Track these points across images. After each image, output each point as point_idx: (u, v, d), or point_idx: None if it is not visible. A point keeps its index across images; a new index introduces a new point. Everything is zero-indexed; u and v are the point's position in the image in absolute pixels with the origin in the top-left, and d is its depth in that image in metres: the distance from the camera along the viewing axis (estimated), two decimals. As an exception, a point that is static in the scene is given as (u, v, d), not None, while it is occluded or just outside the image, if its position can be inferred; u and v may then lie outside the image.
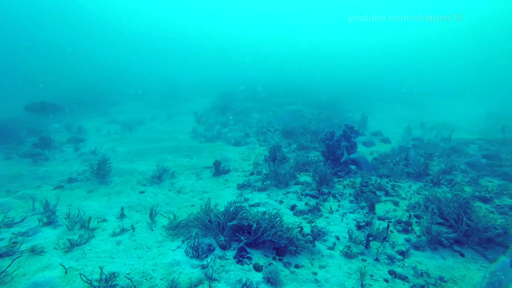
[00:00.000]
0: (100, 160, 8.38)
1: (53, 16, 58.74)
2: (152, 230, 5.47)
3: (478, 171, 6.92)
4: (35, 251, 4.70)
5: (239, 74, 46.87)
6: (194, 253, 4.54)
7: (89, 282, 3.78)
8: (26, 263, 4.43)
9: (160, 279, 4.03)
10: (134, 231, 5.44)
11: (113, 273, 3.91)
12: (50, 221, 5.75)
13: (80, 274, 3.97)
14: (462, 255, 4.89)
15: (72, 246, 4.85)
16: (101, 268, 4.01)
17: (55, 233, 5.38)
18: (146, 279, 4.04)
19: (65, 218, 5.79)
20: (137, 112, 21.77)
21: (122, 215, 6.05)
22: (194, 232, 5.15)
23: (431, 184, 7.68)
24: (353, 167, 7.75)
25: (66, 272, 4.13)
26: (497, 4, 65.46)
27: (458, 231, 5.11)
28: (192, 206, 6.55)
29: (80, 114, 19.53)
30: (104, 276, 3.82)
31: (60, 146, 12.00)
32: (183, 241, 4.95)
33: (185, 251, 4.64)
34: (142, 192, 7.45)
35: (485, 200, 6.60)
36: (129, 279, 3.93)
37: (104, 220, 5.91)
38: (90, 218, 5.68)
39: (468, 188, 7.46)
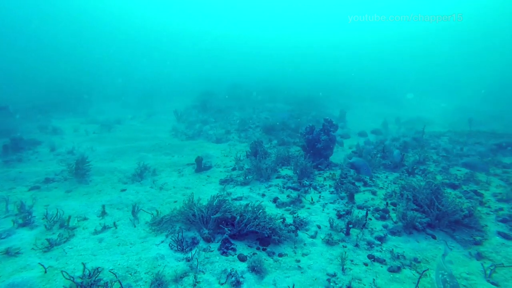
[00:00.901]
0: (78, 159, 8.16)
1: (29, 9, 55.97)
2: (135, 226, 5.42)
3: (476, 170, 7.17)
4: (9, 253, 4.54)
5: (220, 73, 46.64)
6: (179, 247, 4.56)
7: (72, 279, 3.72)
8: (0, 266, 4.28)
9: (144, 273, 4.03)
10: (116, 228, 5.37)
11: (97, 268, 3.86)
12: (26, 222, 5.57)
13: (62, 271, 3.89)
14: (434, 237, 5.20)
15: (51, 245, 4.73)
16: (83, 264, 3.95)
17: (32, 234, 5.21)
18: (130, 274, 4.03)
19: (43, 219, 5.62)
20: (116, 111, 21.22)
21: (103, 213, 5.95)
22: (178, 226, 5.16)
23: (407, 174, 8.05)
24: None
25: (45, 272, 4.04)
26: (469, 5, 68.48)
27: (430, 215, 5.41)
28: (175, 202, 6.54)
29: (56, 114, 18.81)
30: (88, 271, 3.77)
31: (34, 146, 11.54)
32: (167, 236, 4.95)
33: (169, 245, 4.65)
34: (124, 190, 7.33)
35: (454, 186, 7.00)
36: (113, 273, 3.91)
37: (85, 219, 5.79)
38: (70, 217, 5.55)
39: (439, 176, 7.89)
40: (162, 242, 4.79)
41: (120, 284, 3.71)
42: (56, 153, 10.92)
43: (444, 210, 5.31)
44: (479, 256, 4.67)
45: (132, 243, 4.87)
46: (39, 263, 4.21)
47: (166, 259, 4.30)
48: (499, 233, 5.21)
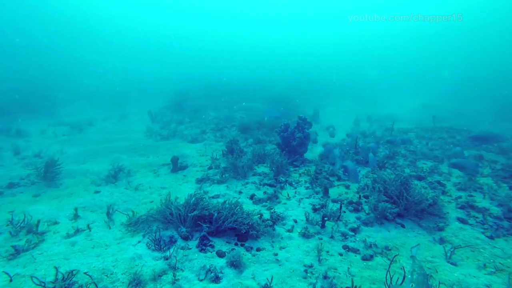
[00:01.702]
0: (48, 162, 7.80)
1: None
2: (110, 228, 5.30)
3: (465, 171, 7.25)
4: (-31, 264, 4.28)
5: (194, 73, 46.08)
6: (156, 246, 4.53)
7: (42, 284, 3.59)
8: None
9: (121, 274, 3.97)
10: (90, 230, 5.22)
11: (71, 271, 3.76)
12: (-12, 230, 5.26)
13: (32, 276, 3.74)
14: (403, 226, 5.53)
15: (17, 252, 4.50)
16: (56, 268, 3.82)
17: (-5, 242, 4.94)
18: (106, 275, 3.95)
19: (7, 225, 5.30)
20: (87, 112, 20.35)
21: (76, 216, 5.75)
22: (155, 226, 5.11)
23: (378, 168, 8.44)
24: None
25: (11, 280, 3.85)
26: (434, 5, 71.93)
27: (399, 206, 5.74)
28: (151, 202, 6.45)
29: (20, 115, 17.73)
30: (61, 275, 3.66)
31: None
32: (143, 236, 4.89)
33: (146, 244, 4.60)
34: (97, 192, 7.11)
35: (420, 178, 7.45)
36: (88, 275, 3.81)
37: (56, 223, 5.57)
38: (39, 222, 5.32)
39: (407, 169, 8.35)
40: (139, 242, 4.73)
41: (96, 286, 3.63)
42: (21, 157, 10.34)
43: (411, 200, 5.65)
44: (442, 241, 5.04)
45: (107, 244, 4.76)
46: (3, 272, 4.00)
47: (144, 259, 4.26)
48: (458, 219, 5.64)
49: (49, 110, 20.05)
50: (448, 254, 4.50)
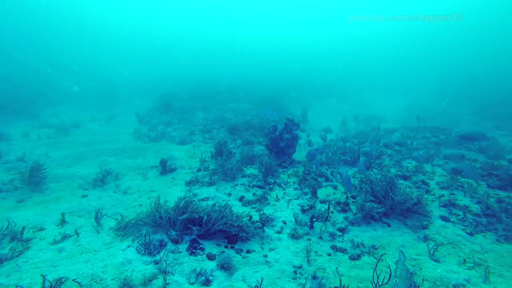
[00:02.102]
0: (32, 166, 7.64)
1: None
2: (98, 233, 5.25)
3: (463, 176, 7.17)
4: None
5: (183, 73, 45.69)
6: (146, 250, 4.52)
7: (30, 292, 3.55)
8: None
9: (111, 280, 3.95)
10: (78, 236, 5.16)
11: (60, 279, 3.72)
12: (-33, 239, 5.12)
13: (16, 286, 3.69)
14: (389, 225, 5.69)
15: (0, 261, 4.41)
16: (43, 276, 3.78)
17: (-24, 252, 4.81)
18: (96, 282, 3.93)
19: (-12, 233, 5.19)
20: (73, 114, 19.95)
21: (63, 221, 5.67)
22: (144, 230, 5.10)
23: (365, 169, 8.61)
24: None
25: (-6, 291, 3.79)
26: (433, 5, 72.98)
27: (386, 205, 5.90)
28: (140, 205, 6.42)
29: (1, 118, 17.21)
30: (48, 283, 3.62)
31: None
32: (133, 240, 4.87)
33: (136, 249, 4.59)
34: (85, 196, 7.02)
35: (405, 177, 7.66)
36: (77, 282, 3.79)
37: (42, 229, 5.47)
38: (24, 228, 5.22)
39: (393, 169, 8.57)
40: (129, 246, 4.71)
41: (85, 292, 3.62)
42: (2, 161, 10.07)
43: (397, 200, 5.82)
44: (426, 239, 5.22)
45: (96, 250, 4.72)
46: (-14, 282, 3.92)
47: (134, 264, 4.25)
48: (441, 217, 5.84)
49: (32, 112, 19.53)
50: (432, 252, 4.67)
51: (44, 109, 21.03)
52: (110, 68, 48.32)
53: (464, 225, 5.60)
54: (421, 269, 4.35)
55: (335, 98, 26.17)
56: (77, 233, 5.21)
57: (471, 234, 5.32)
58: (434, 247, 4.73)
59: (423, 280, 4.02)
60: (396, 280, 2.98)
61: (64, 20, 66.81)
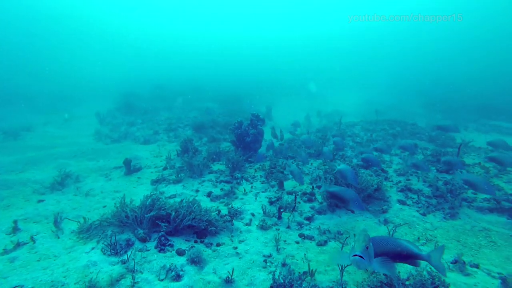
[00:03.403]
0: (-24, 172, 6.99)
1: None
2: (58, 238, 4.96)
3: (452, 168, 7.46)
4: None
5: (143, 73, 44.13)
6: (112, 251, 4.37)
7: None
8: None
9: (74, 284, 3.77)
10: (34, 243, 4.83)
11: None
12: None
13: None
14: (352, 212, 6.00)
15: None
16: (-4, 286, 3.51)
17: None
18: None
19: None
20: (22, 117, 18.39)
21: (15, 229, 5.25)
22: (110, 230, 4.91)
23: (329, 160, 8.99)
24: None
25: None
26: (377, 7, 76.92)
27: (348, 193, 6.20)
28: (104, 207, 6.15)
29: None
30: (3, 292, 3.38)
31: None
32: (98, 242, 4.68)
33: (101, 250, 4.41)
34: (41, 201, 6.56)
35: (366, 167, 8.12)
36: (36, 289, 3.57)
37: (-10, 239, 5.04)
38: (-30, 239, 4.78)
39: (355, 160, 9.03)
40: (93, 248, 4.52)
41: (46, 299, 3.43)
42: None
43: (359, 187, 6.16)
44: (386, 222, 5.60)
45: (56, 255, 4.46)
46: None
47: (99, 265, 4.09)
48: (399, 201, 6.30)
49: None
50: (391, 233, 5.02)
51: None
52: (66, 68, 45.23)
53: (418, 207, 6.08)
54: (381, 248, 4.66)
55: (299, 95, 26.85)
56: (33, 240, 4.87)
57: (424, 214, 5.80)
58: (393, 229, 5.09)
59: (383, 258, 4.31)
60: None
61: (16, 15, 61.36)
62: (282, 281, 3.59)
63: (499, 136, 13.24)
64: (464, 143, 10.12)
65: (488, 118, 17.45)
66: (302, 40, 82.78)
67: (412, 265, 3.13)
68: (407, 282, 3.66)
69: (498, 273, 4.01)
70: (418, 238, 4.97)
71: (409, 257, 2.87)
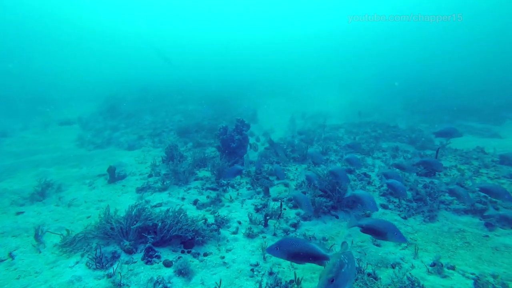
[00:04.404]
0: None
1: None
2: (40, 252, 4.84)
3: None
4: None
5: (128, 75, 43.24)
6: (98, 264, 4.31)
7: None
8: None
9: (58, 301, 3.71)
10: (13, 259, 4.66)
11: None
12: None
13: None
14: (337, 217, 6.16)
15: None
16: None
17: None
18: (40, 305, 3.65)
19: None
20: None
21: (-6, 244, 5.09)
22: (95, 243, 4.84)
23: (313, 165, 9.15)
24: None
25: None
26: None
27: (333, 199, 6.36)
28: (88, 217, 6.04)
29: None
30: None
31: None
32: (82, 255, 4.60)
33: (86, 264, 4.35)
34: (20, 213, 6.36)
35: (350, 171, 8.32)
36: (18, 308, 3.48)
37: (-38, 258, 4.83)
38: None
39: (339, 164, 9.23)
40: (77, 263, 4.44)
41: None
42: None
43: (343, 193, 6.31)
44: (368, 226, 5.76)
45: (37, 271, 4.35)
46: None
47: (84, 280, 4.03)
48: (381, 205, 6.50)
49: None
50: (374, 238, 5.19)
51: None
52: (46, 70, 43.67)
53: (400, 211, 6.31)
54: (365, 254, 4.82)
55: (285, 97, 27.06)
56: (11, 256, 4.70)
57: (405, 218, 6.02)
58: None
59: (367, 264, 4.46)
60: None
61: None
62: (269, 290, 3.66)
63: (472, 137, 13.82)
64: (442, 145, 10.53)
65: (463, 119, 18.16)
66: (290, 40, 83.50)
67: (319, 265, 3.46)
68: (389, 287, 3.80)
69: (471, 273, 4.24)
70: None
71: (316, 258, 3.18)
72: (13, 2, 65.71)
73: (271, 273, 4.29)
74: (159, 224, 4.86)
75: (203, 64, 55.21)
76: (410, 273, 4.08)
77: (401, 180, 6.03)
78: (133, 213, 5.02)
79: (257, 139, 12.46)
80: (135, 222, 4.88)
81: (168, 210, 5.21)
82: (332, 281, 2.52)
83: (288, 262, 4.61)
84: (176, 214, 5.10)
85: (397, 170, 7.31)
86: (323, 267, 3.34)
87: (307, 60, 60.47)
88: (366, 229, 4.38)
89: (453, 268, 4.40)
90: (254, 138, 12.75)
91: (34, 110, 20.67)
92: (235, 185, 7.58)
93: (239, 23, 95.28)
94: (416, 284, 3.54)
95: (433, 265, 4.46)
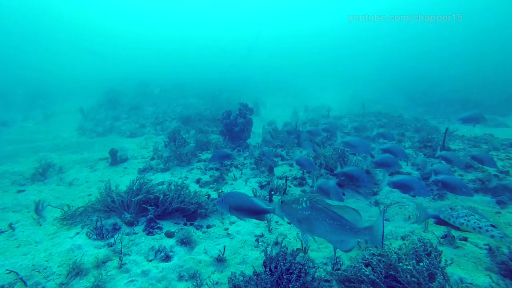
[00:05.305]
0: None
1: None
2: (40, 225, 4.74)
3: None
4: None
5: (128, 71, 43.18)
6: (98, 236, 4.19)
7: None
8: None
9: (57, 267, 3.59)
10: (13, 230, 4.59)
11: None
12: None
13: None
14: (344, 194, 6.00)
15: None
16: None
17: None
18: (38, 271, 3.53)
19: None
20: (-1, 113, 17.61)
21: (-7, 218, 4.99)
22: (95, 216, 4.71)
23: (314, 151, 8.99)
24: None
25: None
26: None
27: (339, 176, 6.20)
28: (89, 195, 5.94)
29: None
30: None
31: None
32: (82, 227, 4.48)
33: (86, 234, 4.23)
34: (21, 191, 6.26)
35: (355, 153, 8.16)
36: (14, 272, 3.37)
37: (-39, 230, 4.74)
38: None
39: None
40: (78, 233, 4.32)
41: (25, 283, 3.24)
42: None
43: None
44: (376, 203, 5.62)
45: (37, 241, 4.24)
46: None
47: (84, 248, 3.91)
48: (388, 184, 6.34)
49: None
50: (383, 212, 5.04)
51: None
52: (45, 67, 43.74)
53: (407, 189, 6.14)
54: (373, 227, 4.67)
55: (286, 92, 26.92)
56: (11, 228, 4.63)
57: (413, 196, 5.85)
58: (385, 209, 5.12)
59: (375, 235, 4.31)
60: None
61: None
62: (274, 255, 3.52)
63: (478, 126, 13.57)
64: (449, 132, 10.34)
65: (465, 110, 17.90)
66: (290, 39, 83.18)
67: (260, 219, 3.57)
68: (399, 251, 3.65)
69: (485, 244, 4.08)
70: (409, 217, 5.01)
71: (258, 212, 3.26)
72: (13, 2, 65.97)
73: (276, 243, 4.15)
74: (161, 196, 4.73)
75: (203, 64, 55.03)
76: (421, 235, 3.93)
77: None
78: (134, 187, 4.90)
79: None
80: (136, 195, 4.76)
81: (170, 184, 5.08)
82: (282, 202, 2.64)
83: (294, 234, 4.47)
84: (179, 187, 4.96)
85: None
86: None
87: (308, 58, 60.24)
88: (396, 185, 4.79)
89: (465, 239, 4.24)
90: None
91: (35, 103, 20.63)
92: (238, 166, 7.43)
93: (239, 23, 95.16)
94: (428, 245, 3.38)
95: (445, 236, 4.30)
